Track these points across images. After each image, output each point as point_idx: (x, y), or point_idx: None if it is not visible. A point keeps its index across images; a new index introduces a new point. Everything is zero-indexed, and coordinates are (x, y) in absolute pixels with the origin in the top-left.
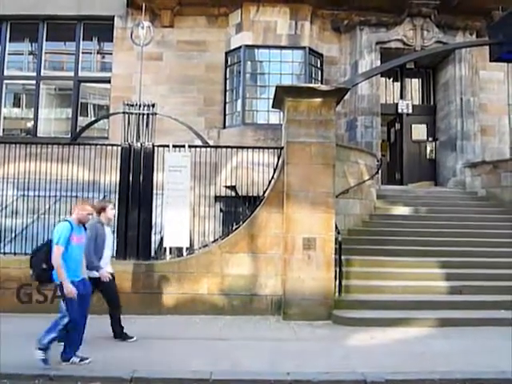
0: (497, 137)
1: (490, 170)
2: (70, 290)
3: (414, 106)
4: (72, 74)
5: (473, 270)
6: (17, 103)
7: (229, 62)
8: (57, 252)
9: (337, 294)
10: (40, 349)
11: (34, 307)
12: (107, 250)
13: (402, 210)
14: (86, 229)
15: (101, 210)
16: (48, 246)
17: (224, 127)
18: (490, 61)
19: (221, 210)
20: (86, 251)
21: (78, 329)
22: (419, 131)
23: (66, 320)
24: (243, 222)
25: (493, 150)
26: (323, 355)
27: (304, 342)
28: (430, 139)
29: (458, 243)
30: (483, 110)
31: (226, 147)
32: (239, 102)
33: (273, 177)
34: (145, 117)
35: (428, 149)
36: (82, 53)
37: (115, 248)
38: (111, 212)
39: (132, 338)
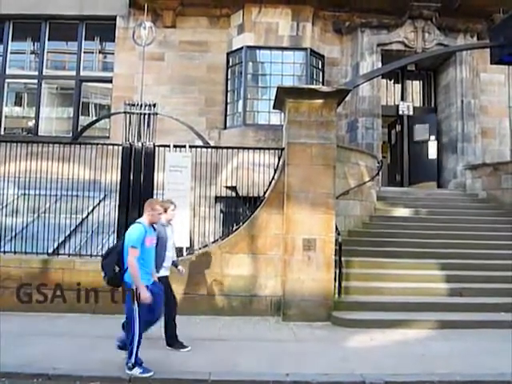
0: (497, 139)
1: (491, 172)
2: (147, 295)
3: (414, 107)
4: (74, 73)
5: (473, 272)
6: (18, 102)
7: (230, 63)
8: (132, 255)
9: (336, 295)
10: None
11: (33, 306)
12: (169, 252)
13: (402, 212)
14: (155, 229)
15: None
16: (119, 248)
17: (225, 128)
18: (491, 63)
19: (221, 211)
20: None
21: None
22: (420, 133)
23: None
24: (243, 223)
25: (493, 152)
26: (322, 356)
27: (303, 343)
28: (431, 140)
29: (458, 245)
30: (484, 112)
31: (227, 148)
32: (240, 102)
33: (273, 177)
34: (146, 117)
35: (428, 151)
36: (84, 52)
37: None
38: (172, 213)
39: (187, 347)
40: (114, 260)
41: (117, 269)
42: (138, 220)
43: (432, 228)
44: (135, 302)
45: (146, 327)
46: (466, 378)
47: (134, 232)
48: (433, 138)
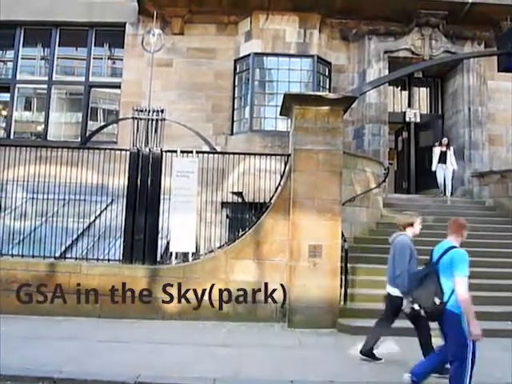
0: (505, 146)
1: (498, 180)
2: (480, 332)
3: (421, 114)
4: (83, 79)
5: (480, 280)
6: (28, 107)
7: (238, 70)
8: (465, 286)
9: (342, 302)
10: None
11: (39, 310)
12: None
13: None
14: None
15: (408, 226)
16: (433, 276)
17: (232, 134)
18: (498, 71)
19: (227, 216)
20: (397, 270)
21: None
22: (427, 140)
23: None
24: (249, 229)
25: (501, 160)
26: (327, 364)
27: (308, 349)
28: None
29: None
30: (491, 119)
31: (234, 153)
32: (247, 108)
33: (279, 183)
34: (153, 122)
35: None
36: (93, 58)
37: (121, 252)
38: (419, 227)
39: (380, 359)
40: (431, 291)
41: (437, 301)
42: (450, 244)
43: (439, 235)
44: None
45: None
46: None
47: (461, 259)
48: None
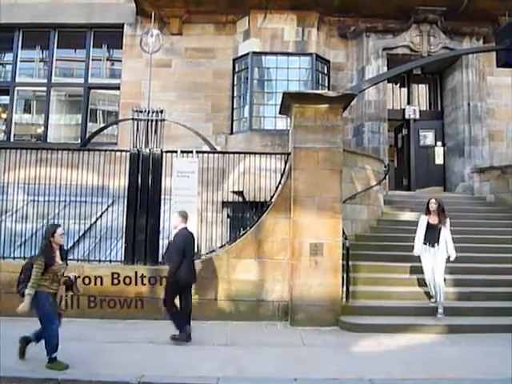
0: (505, 142)
1: (499, 176)
2: None
3: (421, 111)
4: (82, 80)
5: (481, 276)
6: (27, 109)
7: (236, 69)
8: None
9: (344, 299)
10: None
11: None
12: None
13: (409, 216)
14: None
15: None
16: None
17: (231, 133)
18: (497, 66)
19: (228, 216)
20: None
21: None
22: (426, 137)
23: None
24: (250, 228)
25: (501, 155)
26: (330, 361)
27: (311, 347)
28: (438, 144)
29: (467, 249)
30: (491, 115)
31: (234, 153)
32: (246, 108)
33: (280, 182)
34: (153, 123)
35: (435, 154)
36: (92, 60)
37: (123, 252)
38: None
39: None
40: None
41: None
42: None
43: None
44: None
45: None
46: None
47: None
48: (439, 143)
